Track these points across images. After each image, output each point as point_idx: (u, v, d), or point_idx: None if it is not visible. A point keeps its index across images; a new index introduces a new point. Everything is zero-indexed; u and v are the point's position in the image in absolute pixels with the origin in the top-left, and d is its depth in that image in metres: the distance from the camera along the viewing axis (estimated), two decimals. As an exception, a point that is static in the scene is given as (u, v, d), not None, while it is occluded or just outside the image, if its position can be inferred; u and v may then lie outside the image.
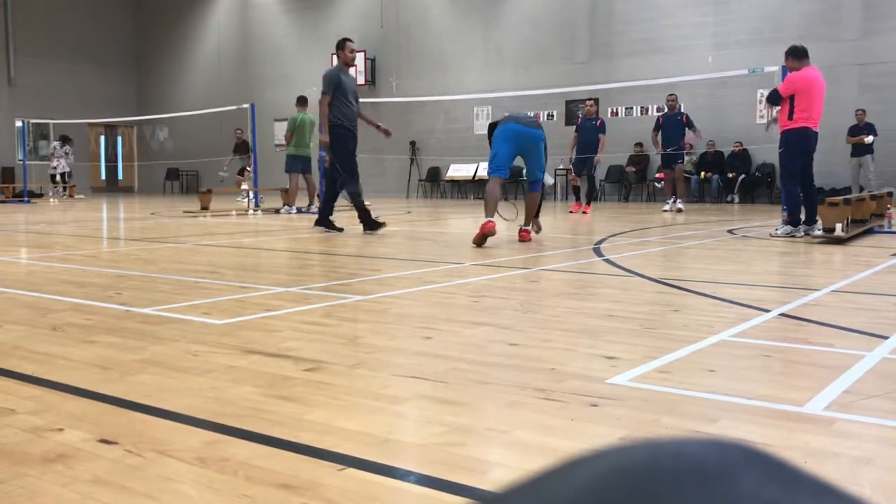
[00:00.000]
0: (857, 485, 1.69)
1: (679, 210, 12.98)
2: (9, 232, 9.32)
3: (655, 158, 17.71)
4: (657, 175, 17.12)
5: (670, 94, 13.42)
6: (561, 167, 19.19)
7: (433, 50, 21.65)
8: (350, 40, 8.75)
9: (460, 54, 21.21)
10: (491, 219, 7.21)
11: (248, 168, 17.62)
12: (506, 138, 7.47)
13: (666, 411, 2.17)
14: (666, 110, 13.42)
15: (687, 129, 12.98)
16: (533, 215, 7.87)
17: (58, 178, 22.05)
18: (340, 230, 8.63)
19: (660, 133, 13.17)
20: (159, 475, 1.72)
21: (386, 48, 22.33)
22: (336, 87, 8.42)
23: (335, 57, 8.76)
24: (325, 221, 8.76)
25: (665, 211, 13.21)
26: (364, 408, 2.21)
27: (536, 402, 2.26)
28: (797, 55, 7.83)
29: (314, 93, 17.67)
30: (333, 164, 8.52)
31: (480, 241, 6.94)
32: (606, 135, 13.21)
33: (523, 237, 7.56)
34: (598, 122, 13.10)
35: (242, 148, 17.86)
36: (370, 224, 8.60)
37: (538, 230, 8.13)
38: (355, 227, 8.89)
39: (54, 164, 21.88)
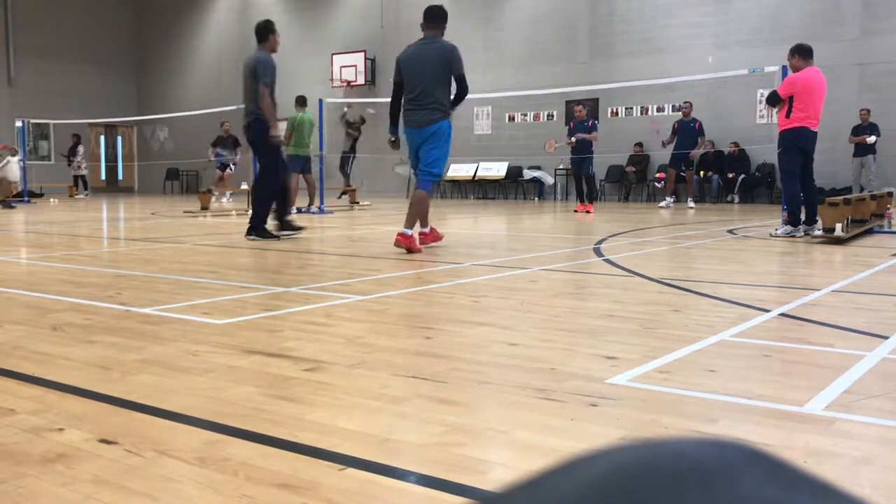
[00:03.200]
0: (857, 485, 1.69)
1: (691, 208, 14.49)
2: (9, 232, 9.32)
3: (655, 158, 17.80)
4: (657, 174, 17.18)
5: (685, 102, 14.87)
6: (561, 167, 19.20)
7: (433, 50, 21.65)
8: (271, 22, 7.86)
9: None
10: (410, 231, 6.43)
11: (232, 166, 17.36)
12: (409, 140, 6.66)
13: (666, 411, 2.17)
14: (681, 116, 14.88)
15: (699, 137, 14.44)
16: (425, 217, 6.76)
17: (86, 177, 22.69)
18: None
19: (675, 138, 14.62)
20: (159, 475, 1.72)
21: (386, 48, 22.31)
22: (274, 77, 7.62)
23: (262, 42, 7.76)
24: (284, 225, 8.13)
25: (661, 207, 14.49)
26: (364, 408, 2.21)
27: (536, 402, 2.25)
28: (804, 54, 7.80)
29: (313, 93, 17.72)
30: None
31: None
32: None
33: (424, 240, 6.70)
34: (590, 123, 13.68)
35: (229, 142, 17.30)
36: (253, 228, 7.71)
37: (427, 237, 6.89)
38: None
39: (79, 163, 22.40)
